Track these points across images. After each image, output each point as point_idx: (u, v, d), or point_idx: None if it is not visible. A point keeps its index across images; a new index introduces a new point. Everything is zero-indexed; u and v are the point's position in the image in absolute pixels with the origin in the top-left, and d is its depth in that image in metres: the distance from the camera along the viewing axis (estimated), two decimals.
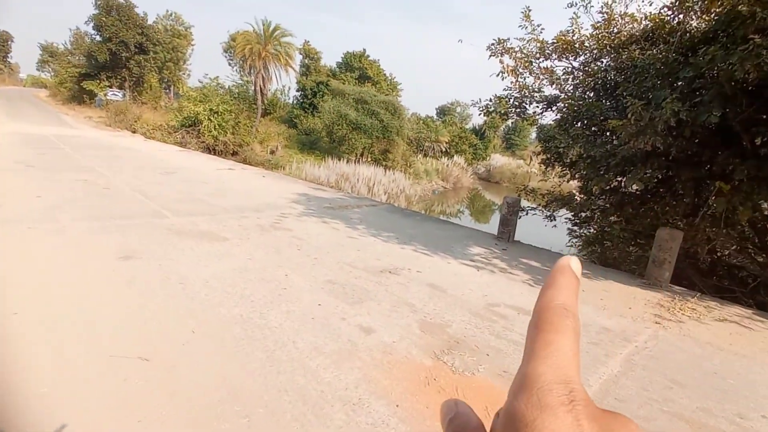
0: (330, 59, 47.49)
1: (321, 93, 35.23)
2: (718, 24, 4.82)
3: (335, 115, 26.89)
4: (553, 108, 7.32)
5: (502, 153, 54.09)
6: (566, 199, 8.14)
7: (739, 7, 4.11)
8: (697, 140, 5.41)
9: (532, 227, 8.36)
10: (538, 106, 7.50)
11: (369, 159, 28.70)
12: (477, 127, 50.66)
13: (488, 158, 45.44)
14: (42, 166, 8.93)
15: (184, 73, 48.03)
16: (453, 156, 39.84)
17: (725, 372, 3.29)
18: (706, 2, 5.58)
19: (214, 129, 23.19)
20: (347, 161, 23.43)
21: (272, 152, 28.31)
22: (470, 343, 3.19)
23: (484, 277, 4.75)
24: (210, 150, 22.68)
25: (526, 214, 8.08)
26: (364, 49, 41.33)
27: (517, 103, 7.42)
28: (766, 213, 6.17)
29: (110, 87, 32.48)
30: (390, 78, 43.26)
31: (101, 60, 32.14)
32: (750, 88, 4.62)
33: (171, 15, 48.48)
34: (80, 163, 9.81)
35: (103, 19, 31.21)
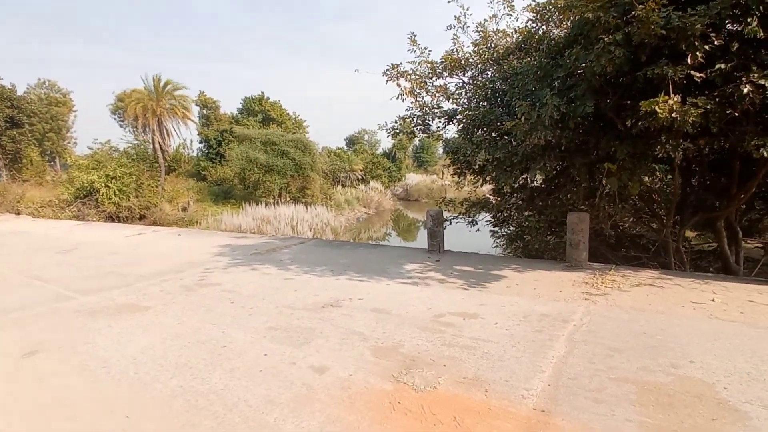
0: (229, 107, 46.72)
1: (226, 141, 34.34)
2: (574, 29, 5.45)
3: (244, 161, 26.32)
4: (454, 120, 7.74)
5: (415, 171, 56.03)
6: (483, 203, 8.58)
7: (586, 14, 4.69)
8: (581, 130, 5.98)
9: (458, 235, 8.67)
10: (440, 121, 7.89)
11: (288, 198, 28.28)
12: (387, 151, 52.27)
13: (403, 178, 46.81)
14: None
15: (69, 142, 44.58)
16: (369, 182, 40.55)
17: (651, 330, 3.59)
18: (560, 15, 6.34)
19: (114, 195, 21.56)
20: (266, 204, 22.88)
21: (184, 209, 26.88)
22: (425, 358, 3.19)
23: (423, 291, 4.81)
24: (113, 218, 21.02)
25: (450, 223, 8.38)
26: (262, 92, 41.18)
27: (420, 121, 7.76)
28: (649, 185, 6.96)
29: None
30: (294, 116, 43.37)
31: None
32: (611, 79, 5.24)
33: (44, 83, 45.14)
34: None
35: None
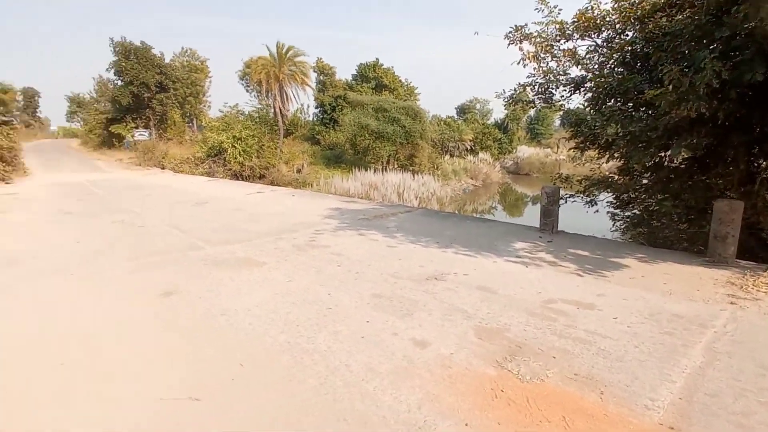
0: (344, 73, 47.96)
1: (340, 107, 35.46)
2: None
3: (356, 127, 26.97)
4: (581, 89, 7.01)
5: (528, 144, 53.07)
6: (606, 182, 7.77)
7: None
8: (745, 101, 5.03)
9: (574, 215, 8.00)
10: (564, 90, 7.20)
11: (395, 166, 28.63)
12: (499, 122, 50.04)
13: (514, 151, 44.64)
14: (79, 212, 9.19)
15: (204, 106, 49.39)
16: (478, 153, 39.37)
17: None
18: None
19: (239, 155, 23.56)
20: (374, 170, 23.39)
21: (298, 171, 28.61)
22: (533, 346, 2.97)
23: (533, 273, 4.51)
24: (237, 176, 23.10)
25: (565, 202, 7.74)
26: (377, 59, 41.40)
27: (542, 90, 7.15)
28: None
29: (136, 128, 33.64)
30: (406, 83, 43.22)
31: (125, 103, 33.39)
32: None
33: (186, 51, 49.96)
34: (115, 205, 10.07)
35: (123, 64, 32.44)
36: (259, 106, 37.16)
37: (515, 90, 7.21)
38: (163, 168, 23.34)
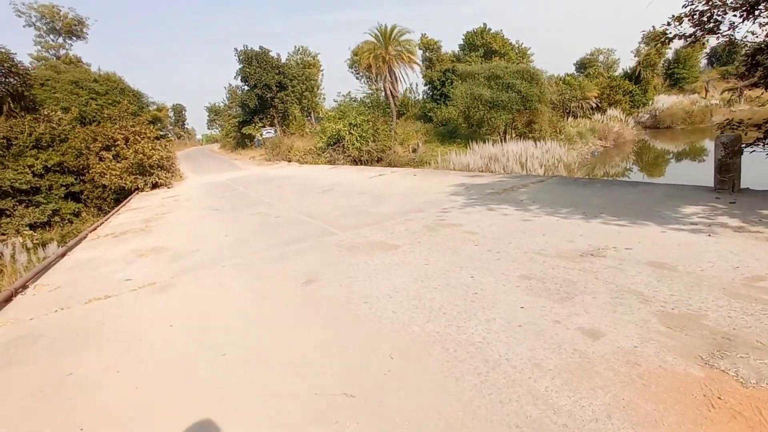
0: (450, 45, 46.56)
1: (449, 80, 34.51)
2: None
3: (468, 99, 25.93)
4: (760, 8, 5.61)
5: (667, 92, 46.43)
6: None
7: None
8: None
9: (755, 169, 6.56)
10: (735, 14, 5.84)
11: (513, 135, 27.09)
12: (629, 71, 44.49)
13: (651, 102, 39.35)
14: (224, 208, 10.11)
15: (319, 98, 51.91)
16: (606, 110, 35.51)
17: None
18: None
19: (356, 141, 24.23)
20: (492, 142, 22.35)
21: (414, 150, 28.60)
22: (747, 338, 2.33)
23: (721, 243, 3.68)
24: (356, 161, 23.82)
25: (742, 153, 6.35)
26: (485, 24, 39.39)
27: (704, 19, 5.87)
28: None
29: (263, 127, 36.55)
30: (518, 46, 40.53)
31: (252, 106, 36.45)
32: None
33: (299, 50, 52.75)
34: (252, 199, 10.89)
35: (247, 69, 35.34)
36: (370, 92, 37.89)
37: (668, 23, 6.03)
38: (289, 161, 25.00)
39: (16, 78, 20.00)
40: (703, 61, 58.58)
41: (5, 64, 19.28)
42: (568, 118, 32.76)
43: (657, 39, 6.24)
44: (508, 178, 8.51)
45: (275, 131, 34.72)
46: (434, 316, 3.08)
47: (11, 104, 19.45)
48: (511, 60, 36.25)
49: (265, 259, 5.16)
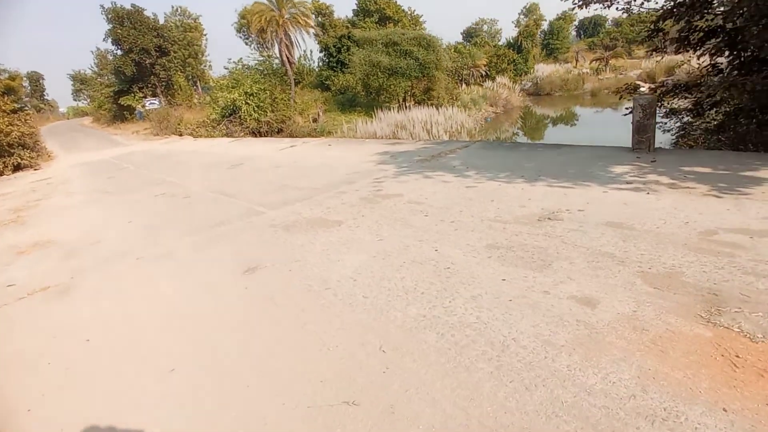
0: (343, 11, 45.38)
1: (345, 47, 33.67)
2: None
3: (367, 66, 25.50)
4: None
5: (545, 62, 50.21)
6: (688, 86, 6.85)
7: None
8: None
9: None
10: None
11: (412, 102, 27.36)
12: (511, 41, 47.32)
13: (532, 71, 42.28)
14: (117, 190, 8.76)
15: (205, 66, 47.69)
16: (495, 78, 37.43)
17: None
18: None
19: (254, 111, 22.68)
20: (393, 110, 22.29)
21: (314, 120, 27.64)
22: (733, 293, 2.39)
23: (662, 201, 3.86)
24: (255, 133, 22.38)
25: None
26: None
27: None
28: None
29: (145, 97, 32.73)
30: (410, 13, 40.65)
31: (129, 73, 32.27)
32: None
33: (177, 10, 47.72)
34: (149, 178, 9.60)
35: (119, 31, 31.02)
36: (261, 58, 35.54)
37: None
38: (180, 135, 22.72)
39: None
40: (573, 33, 64.22)
41: None
42: (462, 86, 33.95)
43: (574, 3, 6.39)
44: (432, 145, 8.40)
45: (159, 102, 31.27)
46: (413, 297, 2.80)
47: None
48: (405, 27, 36.35)
49: (189, 247, 4.45)
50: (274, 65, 33.16)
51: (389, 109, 23.10)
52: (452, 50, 38.78)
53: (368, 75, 25.90)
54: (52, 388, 2.43)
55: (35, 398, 2.37)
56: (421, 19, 42.02)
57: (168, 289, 3.54)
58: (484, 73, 37.78)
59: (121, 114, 34.59)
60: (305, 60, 38.49)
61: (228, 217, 5.36)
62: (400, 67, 24.97)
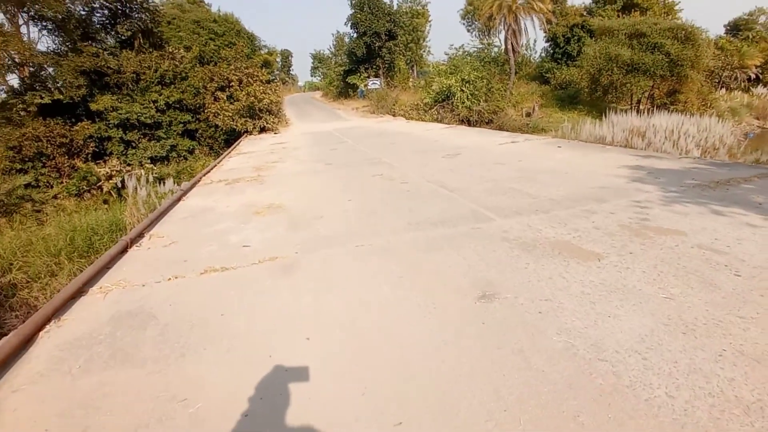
0: None
1: (576, 37, 30.69)
2: None
3: (602, 60, 22.60)
4: None
5: None
6: None
7: None
8: None
9: None
10: None
11: (647, 105, 23.41)
12: None
13: None
14: (338, 163, 9.22)
15: (424, 51, 49.41)
16: None
17: None
18: None
19: (467, 99, 22.30)
20: (626, 112, 19.26)
21: (528, 114, 26.02)
22: None
23: None
24: (464, 121, 22.04)
25: None
26: None
27: None
28: None
29: (369, 77, 35.47)
30: None
31: (359, 54, 35.37)
32: None
33: None
34: (367, 156, 9.90)
35: (358, 15, 34.04)
36: (480, 46, 34.86)
37: None
38: (394, 115, 23.80)
39: (147, 14, 20.54)
40: None
41: (138, 0, 19.79)
42: (720, 90, 27.77)
43: None
44: (706, 165, 6.52)
45: (380, 83, 33.52)
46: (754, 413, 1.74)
47: (141, 40, 20.10)
48: (655, 15, 31.17)
49: (410, 245, 4.06)
50: (494, 53, 32.30)
51: (618, 111, 20.10)
52: (712, 45, 32.01)
53: (600, 70, 22.99)
54: (268, 390, 2.17)
55: (248, 389, 2.14)
56: (676, 7, 35.63)
57: (390, 294, 3.13)
58: (753, 76, 30.27)
59: (346, 91, 38.30)
60: (527, 50, 36.55)
61: (450, 216, 4.84)
62: (644, 63, 21.44)
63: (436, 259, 3.70)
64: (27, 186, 13.66)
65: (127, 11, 19.64)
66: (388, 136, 13.77)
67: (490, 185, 6.10)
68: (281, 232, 4.78)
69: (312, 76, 77.99)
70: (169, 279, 3.69)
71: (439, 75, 23.88)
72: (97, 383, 2.35)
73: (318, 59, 72.42)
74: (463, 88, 22.26)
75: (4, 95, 16.15)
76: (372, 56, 35.83)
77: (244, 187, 7.53)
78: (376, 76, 35.93)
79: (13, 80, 16.66)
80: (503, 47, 29.13)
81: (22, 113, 15.17)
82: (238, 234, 4.83)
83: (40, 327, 2.96)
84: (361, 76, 36.27)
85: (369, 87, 32.77)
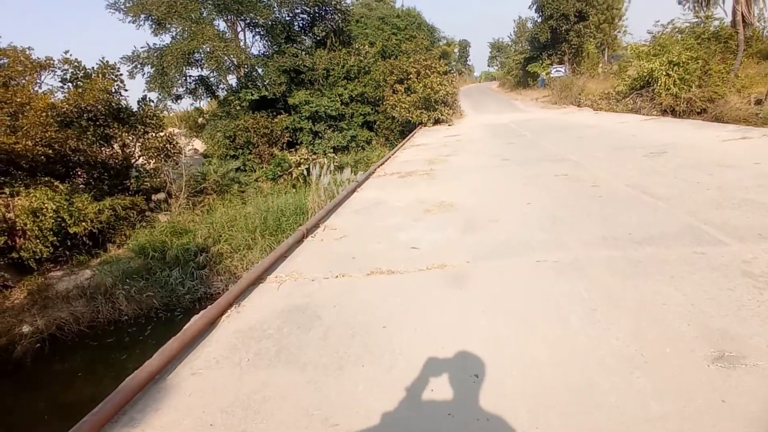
0: None
1: None
2: None
3: None
4: None
5: None
6: None
7: None
8: None
9: None
10: None
11: None
12: None
13: None
14: (515, 159, 8.52)
15: (619, 31, 43.61)
16: None
17: None
18: None
19: (674, 85, 18.82)
20: None
21: (758, 102, 20.86)
22: None
23: None
24: (667, 112, 18.71)
25: None
26: None
27: None
28: None
29: (551, 64, 32.86)
30: None
31: (542, 40, 32.96)
32: None
33: None
34: (546, 151, 8.94)
35: None
36: (696, 20, 28.99)
37: None
38: (579, 105, 21.54)
39: (339, 15, 22.32)
40: None
41: (332, 2, 21.60)
42: None
43: None
44: None
45: (565, 70, 30.77)
46: None
47: (333, 39, 21.96)
48: None
49: (605, 266, 3.31)
50: (713, 27, 26.64)
51: None
52: None
53: None
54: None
55: None
56: None
57: (579, 330, 2.51)
58: None
59: (525, 80, 36.20)
60: (760, 22, 29.29)
61: (659, 232, 3.87)
62: None
63: (643, 289, 2.91)
64: (237, 170, 16.13)
65: (323, 13, 21.59)
66: (573, 130, 12.36)
67: (714, 194, 4.78)
68: (451, 235, 4.45)
69: (489, 66, 76.30)
70: (337, 276, 3.67)
71: (639, 58, 20.71)
72: (260, 383, 2.34)
73: (496, 48, 70.30)
74: (670, 72, 18.89)
75: (225, 92, 19.33)
76: (557, 41, 33.06)
77: (417, 180, 7.44)
78: (560, 62, 33.06)
79: (232, 80, 19.84)
80: (729, 19, 23.80)
81: (237, 108, 17.97)
82: (407, 232, 4.67)
83: (224, 310, 3.16)
84: (543, 64, 33.79)
85: (552, 75, 30.34)
